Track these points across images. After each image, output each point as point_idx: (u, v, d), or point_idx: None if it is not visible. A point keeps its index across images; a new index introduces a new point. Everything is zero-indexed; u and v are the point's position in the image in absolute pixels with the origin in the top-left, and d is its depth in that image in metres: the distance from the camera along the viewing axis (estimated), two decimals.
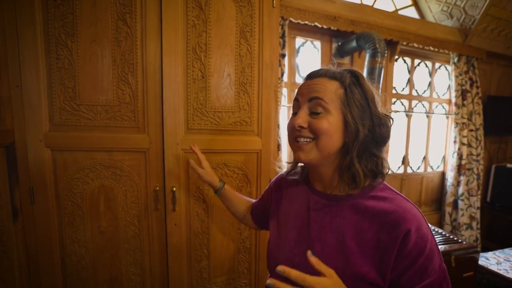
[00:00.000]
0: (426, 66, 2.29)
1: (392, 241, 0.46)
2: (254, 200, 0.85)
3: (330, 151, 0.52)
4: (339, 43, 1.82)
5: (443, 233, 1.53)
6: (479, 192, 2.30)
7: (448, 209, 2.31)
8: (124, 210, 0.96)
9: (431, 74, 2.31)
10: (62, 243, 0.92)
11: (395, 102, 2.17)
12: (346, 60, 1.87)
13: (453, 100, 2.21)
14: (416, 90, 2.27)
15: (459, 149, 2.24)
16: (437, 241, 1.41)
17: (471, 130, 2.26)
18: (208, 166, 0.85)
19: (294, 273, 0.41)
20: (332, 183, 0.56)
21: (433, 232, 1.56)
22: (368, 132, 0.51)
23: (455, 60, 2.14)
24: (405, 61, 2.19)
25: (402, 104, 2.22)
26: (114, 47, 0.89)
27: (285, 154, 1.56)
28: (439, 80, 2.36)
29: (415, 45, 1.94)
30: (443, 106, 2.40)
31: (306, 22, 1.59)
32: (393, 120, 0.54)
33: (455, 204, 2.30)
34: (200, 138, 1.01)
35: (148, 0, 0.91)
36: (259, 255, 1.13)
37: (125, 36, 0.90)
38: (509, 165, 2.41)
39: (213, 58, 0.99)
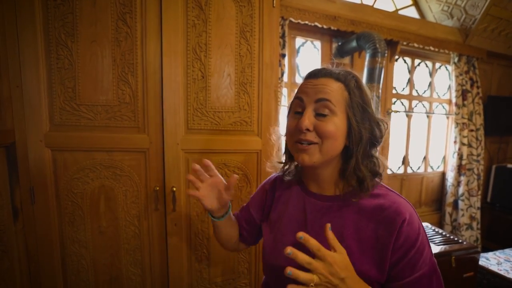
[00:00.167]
0: (427, 66, 2.29)
1: (389, 235, 0.48)
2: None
3: (333, 154, 0.52)
4: (339, 43, 1.82)
5: (443, 233, 1.53)
6: (480, 192, 2.30)
7: (448, 209, 2.31)
8: (124, 210, 0.96)
9: (431, 74, 2.31)
10: (63, 243, 0.92)
11: (395, 102, 2.17)
12: (346, 60, 1.87)
13: (454, 100, 2.21)
14: (417, 90, 2.27)
15: (459, 149, 2.24)
16: (437, 241, 1.42)
17: (472, 130, 2.26)
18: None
19: (312, 241, 0.43)
20: (330, 185, 0.56)
21: (434, 232, 1.56)
22: (369, 135, 0.52)
23: (456, 60, 2.14)
24: (405, 61, 2.19)
25: (402, 104, 2.22)
26: (114, 47, 0.89)
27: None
28: (439, 80, 2.36)
29: (415, 45, 1.94)
30: (443, 106, 2.40)
31: (306, 22, 1.59)
32: (387, 123, 0.56)
33: (455, 204, 2.30)
34: (200, 138, 1.01)
35: (148, 0, 0.91)
36: (259, 255, 1.13)
37: (125, 36, 0.90)
38: (509, 165, 2.40)
39: (213, 58, 0.99)
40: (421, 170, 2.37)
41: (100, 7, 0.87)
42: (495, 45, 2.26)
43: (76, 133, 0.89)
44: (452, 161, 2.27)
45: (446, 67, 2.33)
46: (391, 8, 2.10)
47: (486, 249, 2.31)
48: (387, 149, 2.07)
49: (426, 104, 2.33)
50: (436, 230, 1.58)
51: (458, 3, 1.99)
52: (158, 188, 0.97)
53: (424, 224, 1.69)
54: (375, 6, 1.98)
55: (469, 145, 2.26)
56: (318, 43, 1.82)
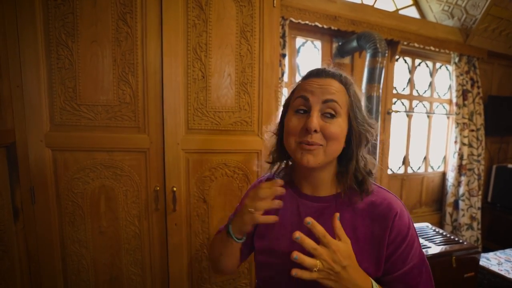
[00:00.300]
0: (427, 66, 2.28)
1: (383, 231, 0.50)
2: None
3: (335, 156, 0.52)
4: (340, 43, 1.81)
5: (444, 233, 1.53)
6: (480, 192, 2.30)
7: (449, 209, 2.31)
8: (125, 210, 0.96)
9: (431, 74, 2.31)
10: (63, 243, 0.92)
11: (395, 102, 2.16)
12: (347, 60, 1.87)
13: (454, 100, 2.21)
14: (417, 90, 2.27)
15: (460, 149, 2.24)
16: (438, 241, 1.41)
17: (472, 130, 2.25)
18: None
19: (318, 227, 0.45)
20: (325, 186, 0.55)
21: (434, 232, 1.55)
22: (366, 137, 0.54)
23: (456, 60, 2.13)
24: (405, 61, 2.19)
25: (403, 104, 2.22)
26: (115, 47, 0.89)
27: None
28: (440, 80, 2.35)
29: (416, 45, 1.93)
30: (443, 106, 2.40)
31: (307, 22, 1.59)
32: (376, 126, 0.58)
33: (455, 205, 2.30)
34: (200, 138, 1.01)
35: (149, 0, 0.91)
36: None
37: (126, 36, 0.90)
38: (510, 166, 2.40)
39: (213, 58, 0.99)
40: (422, 170, 2.37)
41: (101, 7, 0.87)
42: (496, 45, 2.26)
43: (76, 133, 0.89)
44: (453, 161, 2.27)
45: (446, 67, 2.33)
46: (391, 8, 2.10)
47: (486, 249, 2.30)
48: (388, 149, 2.07)
49: (427, 104, 2.32)
50: (437, 230, 1.58)
51: (459, 3, 1.99)
52: (158, 188, 0.97)
53: (425, 224, 1.69)
54: (375, 6, 1.98)
55: (470, 145, 2.26)
56: (318, 43, 1.81)
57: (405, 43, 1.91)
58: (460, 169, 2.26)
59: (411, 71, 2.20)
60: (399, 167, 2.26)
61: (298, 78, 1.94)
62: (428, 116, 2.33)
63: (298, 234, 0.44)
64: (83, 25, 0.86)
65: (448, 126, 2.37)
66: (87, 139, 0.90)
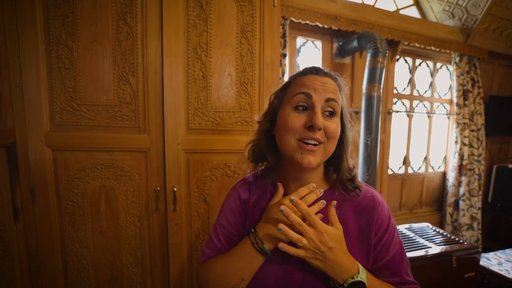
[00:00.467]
0: (428, 66, 2.28)
1: (369, 223, 0.53)
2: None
3: (330, 155, 0.53)
4: (340, 43, 1.81)
5: (444, 233, 1.53)
6: (480, 192, 2.30)
7: (449, 209, 2.30)
8: (125, 210, 0.96)
9: (432, 74, 2.30)
10: (63, 243, 0.92)
11: (396, 102, 2.16)
12: (347, 60, 1.87)
13: (455, 100, 2.20)
14: (418, 90, 2.26)
15: (460, 149, 2.23)
16: (438, 241, 1.41)
17: (473, 131, 2.25)
18: None
19: (302, 206, 0.47)
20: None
21: (434, 232, 1.55)
22: (352, 137, 0.56)
23: (457, 60, 2.13)
24: (406, 61, 2.18)
25: (403, 104, 2.22)
26: (115, 46, 0.89)
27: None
28: (440, 80, 2.35)
29: (417, 45, 1.93)
30: (444, 106, 2.39)
31: (307, 22, 1.59)
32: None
33: (456, 205, 2.30)
34: (200, 138, 1.01)
35: (149, 0, 0.90)
36: None
37: (126, 36, 0.90)
38: (510, 166, 2.40)
39: (214, 57, 0.99)
40: (422, 170, 2.37)
41: (101, 6, 0.87)
42: (497, 45, 2.26)
43: (76, 133, 0.89)
44: (453, 161, 2.27)
45: (447, 67, 2.33)
46: (392, 8, 2.10)
47: (486, 249, 2.30)
48: (388, 149, 2.06)
49: (427, 104, 2.32)
50: (437, 230, 1.58)
51: (460, 3, 1.98)
52: (159, 188, 0.97)
53: (425, 224, 1.69)
54: (376, 6, 1.98)
55: (470, 145, 2.26)
56: (319, 43, 1.81)
57: (406, 43, 1.90)
58: (461, 169, 2.26)
59: (412, 71, 2.20)
60: (400, 167, 2.26)
61: None
62: (428, 116, 2.33)
63: (283, 207, 0.47)
64: (83, 25, 0.86)
65: (449, 126, 2.37)
66: (87, 139, 0.90)
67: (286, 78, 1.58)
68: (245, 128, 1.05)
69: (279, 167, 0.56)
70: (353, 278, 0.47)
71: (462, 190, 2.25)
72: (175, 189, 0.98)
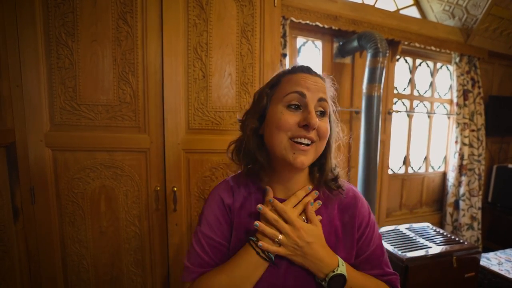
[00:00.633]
0: (428, 66, 2.28)
1: (352, 219, 0.55)
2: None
3: (319, 154, 0.53)
4: (341, 43, 1.81)
5: (444, 233, 1.53)
6: (481, 192, 2.30)
7: (449, 209, 2.30)
8: (125, 210, 0.96)
9: (432, 74, 2.30)
10: (63, 243, 0.92)
11: (396, 102, 2.16)
12: (348, 60, 1.87)
13: (455, 100, 2.20)
14: (418, 90, 2.26)
15: (460, 149, 2.23)
16: (438, 241, 1.41)
17: (473, 130, 2.25)
18: None
19: (279, 206, 0.49)
20: (299, 187, 0.55)
21: (435, 232, 1.55)
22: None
23: (457, 60, 2.13)
24: (406, 61, 2.18)
25: (404, 104, 2.22)
26: (115, 46, 0.89)
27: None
28: (440, 80, 2.35)
29: (417, 45, 1.93)
30: (444, 106, 2.39)
31: (307, 22, 1.58)
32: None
33: (456, 205, 2.30)
34: (201, 138, 1.01)
35: (149, 0, 0.90)
36: None
37: (126, 35, 0.90)
38: (510, 166, 2.40)
39: (214, 57, 0.99)
40: (422, 170, 2.36)
41: (101, 6, 0.87)
42: (497, 45, 2.26)
43: (76, 133, 0.89)
44: (453, 161, 2.26)
45: (447, 67, 2.33)
46: (392, 8, 2.10)
47: (487, 249, 2.30)
48: (388, 149, 2.06)
49: (427, 104, 2.32)
50: (437, 230, 1.58)
51: (460, 3, 1.98)
52: (159, 188, 0.97)
53: (425, 224, 1.69)
54: (376, 5, 1.98)
55: (470, 145, 2.26)
56: (319, 43, 1.81)
57: (406, 43, 1.90)
58: (461, 169, 2.26)
59: (412, 71, 2.20)
60: (400, 167, 2.26)
61: None
62: (428, 116, 2.33)
63: (260, 205, 0.49)
64: (83, 25, 0.86)
65: (449, 126, 2.37)
66: (87, 139, 0.90)
67: None
68: None
69: (266, 168, 0.54)
70: (334, 271, 0.48)
71: (462, 190, 2.25)
72: (175, 189, 0.98)
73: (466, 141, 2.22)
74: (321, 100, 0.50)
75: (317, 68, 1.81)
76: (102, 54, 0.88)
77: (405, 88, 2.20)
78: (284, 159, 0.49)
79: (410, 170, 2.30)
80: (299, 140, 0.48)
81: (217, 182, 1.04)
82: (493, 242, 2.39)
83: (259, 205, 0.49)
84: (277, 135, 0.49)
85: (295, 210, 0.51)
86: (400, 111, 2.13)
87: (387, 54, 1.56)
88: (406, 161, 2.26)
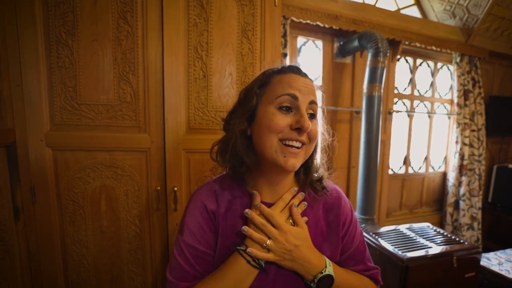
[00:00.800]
0: (428, 66, 2.27)
1: (337, 217, 0.56)
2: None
3: (308, 156, 0.53)
4: (341, 43, 1.81)
5: (445, 233, 1.53)
6: (481, 192, 2.30)
7: (449, 209, 2.30)
8: (126, 210, 0.96)
9: (433, 74, 2.30)
10: (64, 243, 0.92)
11: (396, 102, 2.16)
12: (348, 59, 1.86)
13: (455, 100, 2.20)
14: (418, 90, 2.26)
15: (461, 149, 2.23)
16: (438, 241, 1.41)
17: (473, 131, 2.25)
18: None
19: (266, 210, 0.49)
20: (285, 189, 0.54)
21: (435, 232, 1.55)
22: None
23: (458, 60, 2.13)
24: (407, 61, 2.18)
25: (404, 104, 2.21)
26: (115, 46, 0.89)
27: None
28: (441, 80, 2.35)
29: (417, 44, 1.93)
30: (445, 106, 2.39)
31: (308, 21, 1.58)
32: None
33: (456, 205, 2.30)
34: (201, 138, 1.00)
35: None
36: None
37: (126, 35, 0.89)
38: (510, 166, 2.39)
39: (214, 57, 0.99)
40: (422, 170, 2.36)
41: (101, 5, 0.86)
42: (498, 45, 2.25)
43: (77, 133, 0.89)
44: (454, 161, 2.26)
45: (448, 67, 2.32)
46: (393, 8, 2.09)
47: (487, 249, 2.30)
48: (388, 149, 2.06)
49: (428, 104, 2.32)
50: (437, 230, 1.58)
51: (461, 2, 1.98)
52: (159, 188, 0.97)
53: (425, 224, 1.68)
54: (377, 5, 1.97)
55: (471, 145, 2.26)
56: (319, 43, 1.81)
57: (407, 42, 1.90)
58: (461, 169, 2.26)
59: (413, 71, 2.19)
60: (400, 167, 2.25)
61: None
62: (429, 116, 2.32)
63: (247, 210, 0.49)
64: (83, 24, 0.86)
65: (449, 126, 2.37)
66: (87, 138, 0.90)
67: None
68: None
69: (253, 170, 0.52)
70: (322, 272, 0.49)
71: (462, 190, 2.25)
72: (175, 188, 0.98)
73: (467, 141, 2.22)
74: (312, 103, 0.50)
75: (318, 68, 1.81)
76: (103, 54, 0.88)
77: (405, 88, 2.20)
78: (275, 162, 0.48)
79: (410, 170, 2.30)
80: (290, 143, 0.48)
81: None
82: (493, 242, 2.39)
83: (247, 210, 0.49)
84: (267, 137, 0.48)
85: (282, 214, 0.51)
86: (401, 111, 2.12)
87: (388, 54, 1.55)
88: (406, 161, 2.26)
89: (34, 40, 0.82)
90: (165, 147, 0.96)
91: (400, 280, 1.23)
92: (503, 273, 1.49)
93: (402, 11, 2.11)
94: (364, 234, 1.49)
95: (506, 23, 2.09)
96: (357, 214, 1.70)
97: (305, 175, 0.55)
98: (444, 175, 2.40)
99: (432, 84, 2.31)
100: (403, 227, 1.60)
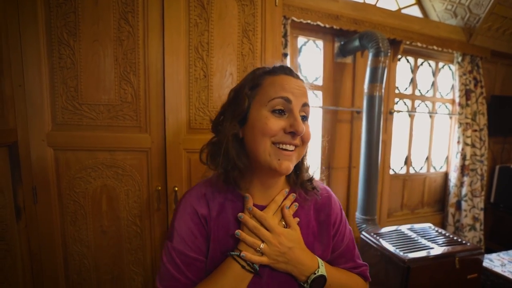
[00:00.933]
0: (430, 65, 2.27)
1: (328, 217, 0.57)
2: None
3: (300, 158, 0.53)
4: (342, 43, 1.81)
5: (447, 234, 1.52)
6: (483, 193, 2.28)
7: (451, 210, 2.29)
8: (126, 210, 0.96)
9: (434, 74, 2.29)
10: (65, 242, 0.92)
11: (398, 102, 2.15)
12: (349, 59, 1.86)
13: (457, 100, 2.19)
14: (419, 90, 2.25)
15: (462, 149, 2.22)
16: (440, 242, 1.40)
17: (475, 130, 2.24)
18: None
19: (258, 213, 0.49)
20: (277, 191, 0.55)
21: (437, 233, 1.54)
22: None
23: (459, 59, 2.12)
24: (408, 61, 2.17)
25: (405, 104, 2.21)
26: (116, 46, 0.89)
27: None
28: (442, 79, 2.34)
29: (419, 44, 1.92)
30: (446, 106, 2.38)
31: (309, 21, 1.58)
32: None
33: (458, 205, 2.28)
34: (202, 138, 1.00)
35: None
36: None
37: (127, 35, 0.90)
38: None
39: (215, 57, 0.99)
40: (424, 170, 2.35)
41: (102, 6, 0.87)
42: (499, 44, 2.24)
43: (78, 133, 0.89)
44: (455, 162, 2.25)
45: (449, 67, 2.32)
46: (394, 7, 2.09)
47: (489, 250, 2.29)
48: (390, 149, 2.06)
49: (429, 104, 2.31)
50: (439, 231, 1.57)
51: (462, 1, 1.97)
52: (160, 188, 0.97)
53: (427, 224, 1.68)
54: (378, 5, 1.97)
55: (473, 145, 2.24)
56: (320, 43, 1.81)
57: (408, 42, 1.89)
58: (463, 169, 2.24)
59: (414, 70, 2.19)
60: (401, 167, 2.25)
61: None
62: (430, 116, 2.31)
63: (241, 214, 0.49)
64: (85, 24, 0.86)
65: (451, 126, 2.36)
66: (88, 138, 0.90)
67: None
68: None
69: (245, 174, 0.51)
70: (315, 273, 0.50)
71: (464, 190, 2.24)
72: (176, 188, 0.98)
73: (468, 141, 2.21)
74: (305, 105, 0.50)
75: (319, 68, 1.81)
76: (104, 54, 0.89)
77: (406, 88, 2.19)
78: (268, 166, 0.47)
79: (411, 170, 2.29)
80: (283, 146, 0.47)
81: None
82: (495, 243, 2.38)
83: (240, 214, 0.49)
84: (261, 141, 0.47)
85: (275, 217, 0.51)
86: (402, 111, 2.12)
87: (389, 54, 1.55)
88: (407, 161, 2.25)
89: (36, 40, 0.83)
90: (166, 147, 0.96)
91: (402, 281, 1.22)
92: (506, 274, 1.48)
93: (403, 11, 2.11)
94: (365, 234, 1.49)
95: (508, 22, 2.08)
96: (358, 215, 1.70)
97: (296, 176, 0.56)
98: (446, 175, 2.39)
99: (433, 84, 2.30)
100: (404, 228, 1.59)
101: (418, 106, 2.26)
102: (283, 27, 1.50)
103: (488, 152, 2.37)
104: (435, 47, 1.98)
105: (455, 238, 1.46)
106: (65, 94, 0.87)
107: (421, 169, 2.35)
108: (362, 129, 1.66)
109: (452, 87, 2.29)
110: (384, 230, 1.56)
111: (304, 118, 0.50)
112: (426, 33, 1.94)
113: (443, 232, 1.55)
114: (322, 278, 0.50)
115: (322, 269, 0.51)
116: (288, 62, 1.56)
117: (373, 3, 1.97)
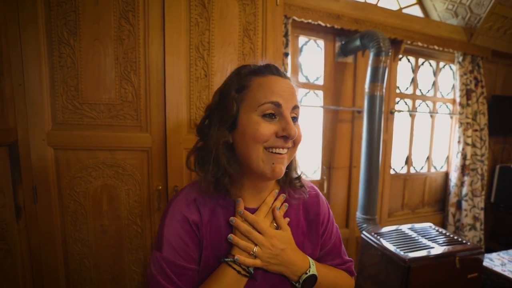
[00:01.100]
0: (430, 65, 2.26)
1: (316, 215, 0.58)
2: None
3: (291, 159, 0.53)
4: (343, 42, 1.80)
5: (447, 233, 1.52)
6: (483, 192, 2.28)
7: (452, 209, 2.29)
8: (127, 209, 0.96)
9: (435, 74, 2.29)
10: (65, 242, 0.92)
11: (398, 101, 2.15)
12: (350, 59, 1.86)
13: (458, 99, 2.19)
14: (420, 90, 2.25)
15: (463, 149, 2.22)
16: (441, 241, 1.40)
17: (476, 130, 2.24)
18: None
19: (250, 217, 0.49)
20: (268, 193, 0.55)
21: (437, 232, 1.54)
22: None
23: (460, 59, 2.11)
24: (409, 60, 2.17)
25: (406, 104, 2.20)
26: (117, 45, 0.89)
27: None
28: (443, 79, 2.33)
29: (420, 44, 1.92)
30: (447, 106, 2.38)
31: (310, 21, 1.58)
32: None
33: (458, 205, 2.28)
34: None
35: None
36: None
37: (128, 34, 0.89)
38: None
39: (216, 56, 0.98)
40: (424, 170, 2.35)
41: (103, 5, 0.87)
42: (500, 44, 2.24)
43: (78, 132, 0.89)
44: (456, 161, 2.25)
45: (450, 66, 2.31)
46: (395, 7, 2.08)
47: (489, 250, 2.29)
48: (390, 149, 2.05)
49: (430, 103, 2.31)
50: (440, 230, 1.57)
51: (463, 1, 1.97)
52: (160, 187, 0.97)
53: (427, 224, 1.68)
54: (379, 4, 1.96)
55: (473, 145, 2.24)
56: (321, 42, 1.80)
57: (409, 42, 1.89)
58: (463, 169, 2.24)
59: (415, 70, 2.18)
60: (402, 167, 2.24)
61: (300, 78, 1.90)
62: (431, 116, 2.31)
63: (232, 218, 0.49)
64: (85, 23, 0.86)
65: (452, 126, 2.36)
66: (89, 138, 0.90)
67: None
68: None
69: (236, 179, 0.50)
70: (306, 273, 0.51)
71: (464, 190, 2.24)
72: (177, 188, 0.97)
73: (469, 141, 2.21)
74: (295, 108, 0.49)
75: (320, 67, 1.81)
76: (104, 53, 0.88)
77: (407, 88, 2.19)
78: (262, 172, 0.47)
79: (412, 170, 2.29)
80: (276, 150, 0.47)
81: None
82: (495, 243, 2.38)
83: (232, 218, 0.49)
84: (253, 147, 0.46)
85: (266, 219, 0.51)
86: (403, 111, 2.11)
87: (390, 53, 1.55)
88: (408, 161, 2.25)
89: (36, 39, 0.83)
90: (167, 146, 0.96)
91: (402, 280, 1.22)
92: (506, 273, 1.48)
93: (404, 10, 2.10)
94: (366, 234, 1.49)
95: (509, 22, 2.07)
96: (358, 214, 1.70)
97: (286, 174, 0.55)
98: (446, 175, 2.39)
99: (434, 84, 2.30)
100: (405, 227, 1.59)
101: (419, 106, 2.26)
102: (284, 27, 1.50)
103: (488, 152, 2.37)
104: (436, 47, 1.98)
105: (455, 237, 1.46)
106: (65, 94, 0.87)
107: (421, 168, 2.35)
108: (363, 129, 1.66)
109: (453, 87, 2.28)
110: (385, 229, 1.56)
111: (295, 119, 0.50)
112: (427, 32, 1.94)
113: (444, 231, 1.55)
114: (313, 277, 0.52)
115: (313, 268, 0.52)
116: (289, 62, 1.56)
117: (374, 2, 1.97)
